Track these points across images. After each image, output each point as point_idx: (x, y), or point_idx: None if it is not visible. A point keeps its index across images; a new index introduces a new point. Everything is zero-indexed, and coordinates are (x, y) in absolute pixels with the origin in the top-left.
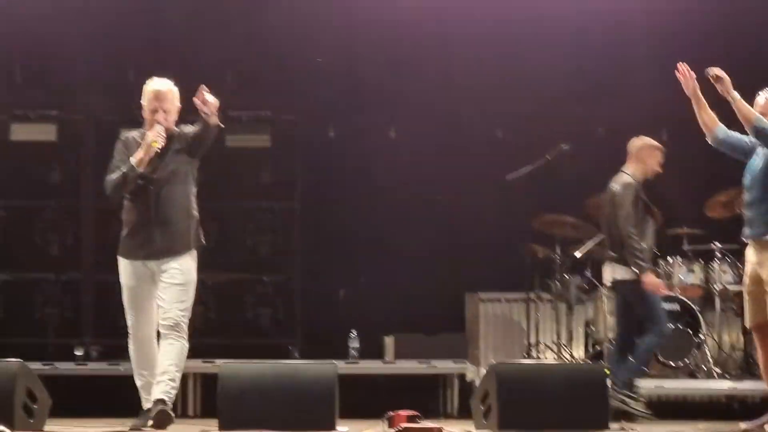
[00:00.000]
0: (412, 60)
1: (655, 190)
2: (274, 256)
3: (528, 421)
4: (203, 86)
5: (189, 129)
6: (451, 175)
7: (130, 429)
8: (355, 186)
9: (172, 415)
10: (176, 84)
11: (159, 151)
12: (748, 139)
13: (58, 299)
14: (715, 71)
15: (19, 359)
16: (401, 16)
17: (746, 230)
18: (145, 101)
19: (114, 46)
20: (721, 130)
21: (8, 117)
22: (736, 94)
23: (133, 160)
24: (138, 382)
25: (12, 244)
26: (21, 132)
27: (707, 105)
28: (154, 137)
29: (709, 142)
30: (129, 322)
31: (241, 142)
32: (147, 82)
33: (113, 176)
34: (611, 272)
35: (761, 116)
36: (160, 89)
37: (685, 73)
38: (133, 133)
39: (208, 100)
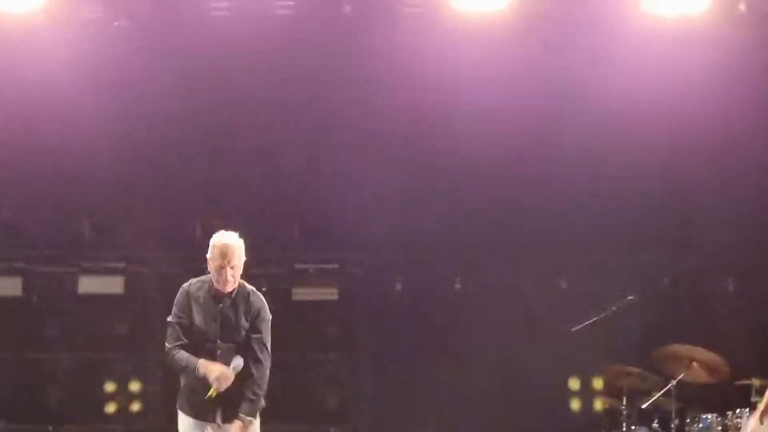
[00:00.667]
0: (477, 212)
1: (722, 340)
2: (341, 408)
3: None
4: None
5: (257, 305)
6: (516, 325)
7: None
8: (421, 337)
9: None
10: (242, 237)
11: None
12: None
13: None
14: None
15: None
16: (464, 167)
17: None
18: (211, 255)
19: (180, 200)
20: None
21: (78, 270)
22: None
23: (199, 372)
24: None
25: (78, 396)
26: (89, 285)
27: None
28: (218, 386)
29: None
30: None
31: (308, 295)
32: (214, 236)
33: (176, 357)
34: None
35: None
36: (227, 245)
37: None
38: (197, 284)
39: None
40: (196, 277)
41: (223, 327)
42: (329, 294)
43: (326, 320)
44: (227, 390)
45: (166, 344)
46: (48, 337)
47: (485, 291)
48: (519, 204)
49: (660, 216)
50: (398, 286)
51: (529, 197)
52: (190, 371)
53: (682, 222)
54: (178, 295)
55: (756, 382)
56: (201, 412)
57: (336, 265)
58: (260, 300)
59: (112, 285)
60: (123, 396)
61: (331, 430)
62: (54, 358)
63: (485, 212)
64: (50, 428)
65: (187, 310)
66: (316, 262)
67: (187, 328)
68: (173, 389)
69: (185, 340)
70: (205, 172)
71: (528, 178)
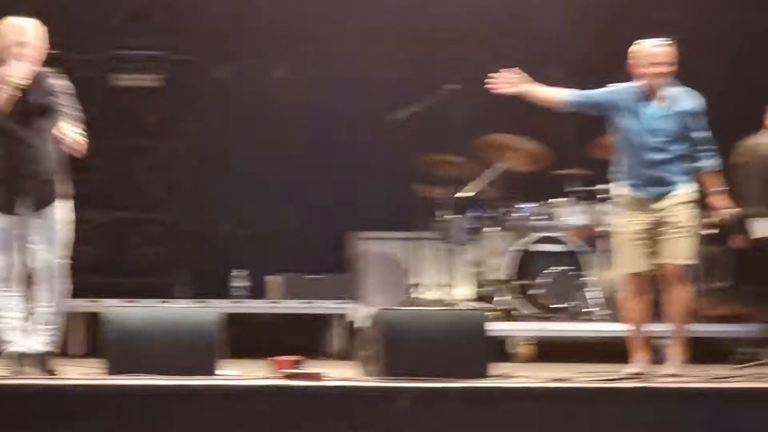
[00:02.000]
0: None
1: (542, 130)
2: (161, 196)
3: (412, 369)
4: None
5: (57, 83)
6: (336, 114)
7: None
8: (244, 126)
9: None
10: (64, 21)
11: (23, 88)
12: (607, 93)
13: None
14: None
15: None
16: None
17: (656, 189)
18: (3, 39)
19: None
20: (569, 93)
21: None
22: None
23: None
24: (3, 326)
25: None
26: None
27: (536, 85)
28: (18, 75)
29: (564, 110)
30: None
31: (130, 81)
32: (4, 20)
33: None
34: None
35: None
36: (23, 25)
37: (500, 83)
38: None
39: (69, 140)
40: None
41: (20, 111)
42: (151, 80)
43: (147, 107)
44: (29, 177)
45: None
46: None
47: (308, 77)
48: None
49: (487, 4)
50: (222, 73)
51: None
52: None
53: (510, 11)
54: None
55: (573, 171)
56: (9, 204)
57: (160, 52)
58: (59, 78)
59: None
60: None
61: (151, 216)
62: None
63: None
64: None
65: None
66: (139, 48)
67: None
68: None
69: None
70: None
71: None
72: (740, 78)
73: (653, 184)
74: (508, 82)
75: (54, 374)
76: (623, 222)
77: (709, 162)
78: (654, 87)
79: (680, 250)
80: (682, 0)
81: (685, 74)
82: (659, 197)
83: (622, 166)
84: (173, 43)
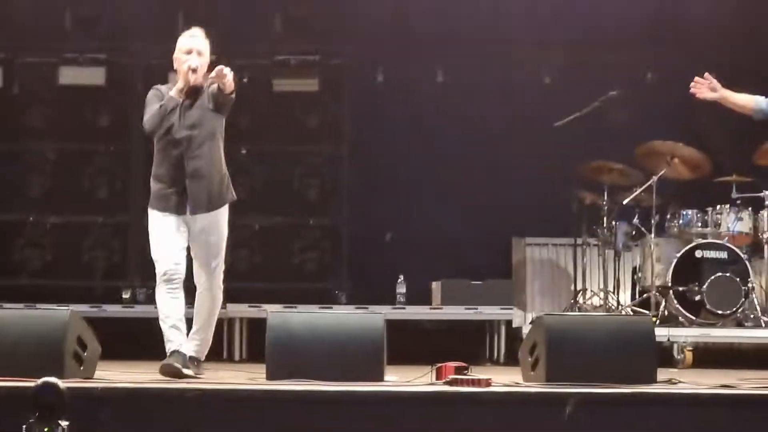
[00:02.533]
0: (462, 4)
1: (704, 137)
2: (321, 200)
3: (576, 374)
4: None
5: (213, 87)
6: (499, 121)
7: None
8: (403, 130)
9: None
10: (225, 28)
11: (194, 70)
12: None
13: (106, 242)
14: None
15: (69, 307)
16: None
17: None
18: (177, 54)
19: None
20: (762, 99)
21: (58, 60)
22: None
23: (173, 92)
24: (164, 326)
25: (61, 187)
26: (70, 75)
27: (732, 93)
28: (190, 63)
29: (757, 117)
30: (160, 269)
31: (289, 86)
32: (183, 34)
33: (152, 111)
34: None
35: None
36: (193, 35)
37: (702, 88)
38: (167, 85)
39: (224, 74)
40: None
41: (188, 119)
42: (310, 85)
43: (307, 112)
44: (195, 181)
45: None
46: (29, 128)
47: (468, 84)
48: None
49: (645, 10)
50: (380, 78)
51: None
52: (168, 102)
53: (666, 17)
54: (148, 94)
55: (735, 179)
56: (169, 205)
57: (317, 56)
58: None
59: (94, 76)
60: (106, 188)
61: (311, 221)
62: (35, 148)
63: (469, 6)
64: (31, 218)
65: (158, 103)
66: (297, 53)
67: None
68: None
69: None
70: None
71: None
72: None
73: None
74: (710, 87)
75: (198, 377)
76: None
77: None
78: None
79: None
80: None
81: None
82: None
83: None
84: (331, 48)
